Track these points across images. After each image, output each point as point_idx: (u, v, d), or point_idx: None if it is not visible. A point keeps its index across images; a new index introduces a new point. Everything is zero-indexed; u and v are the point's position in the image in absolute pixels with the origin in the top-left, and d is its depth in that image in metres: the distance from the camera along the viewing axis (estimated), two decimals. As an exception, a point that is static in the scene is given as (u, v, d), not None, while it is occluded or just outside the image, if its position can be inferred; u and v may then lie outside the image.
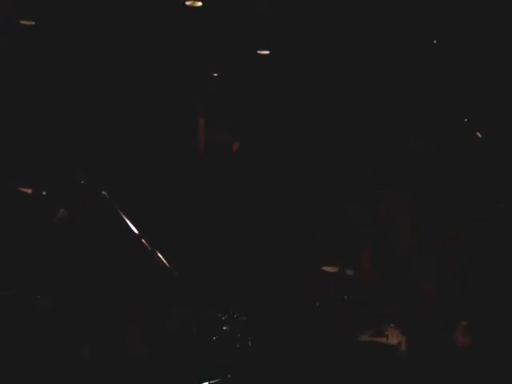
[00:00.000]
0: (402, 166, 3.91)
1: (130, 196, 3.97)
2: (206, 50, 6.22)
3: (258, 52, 6.45)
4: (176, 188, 4.42)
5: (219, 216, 4.28)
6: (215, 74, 6.82)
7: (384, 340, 3.82)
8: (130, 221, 3.45)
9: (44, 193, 4.10)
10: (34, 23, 5.84)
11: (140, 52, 6.11)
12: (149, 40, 5.97)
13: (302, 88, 6.16)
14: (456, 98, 4.43)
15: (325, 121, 5.86)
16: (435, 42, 5.09)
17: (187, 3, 5.40)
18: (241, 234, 4.16)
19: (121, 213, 3.46)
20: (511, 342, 3.53)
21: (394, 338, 3.83)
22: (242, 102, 6.19)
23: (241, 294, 3.92)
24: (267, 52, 6.46)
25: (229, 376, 3.28)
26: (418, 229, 3.77)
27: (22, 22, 5.86)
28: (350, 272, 3.99)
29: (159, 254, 3.43)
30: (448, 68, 4.71)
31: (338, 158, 5.06)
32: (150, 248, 3.42)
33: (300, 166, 5.34)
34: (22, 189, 4.08)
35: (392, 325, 3.88)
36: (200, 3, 5.40)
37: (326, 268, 4.14)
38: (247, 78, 6.58)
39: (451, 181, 3.81)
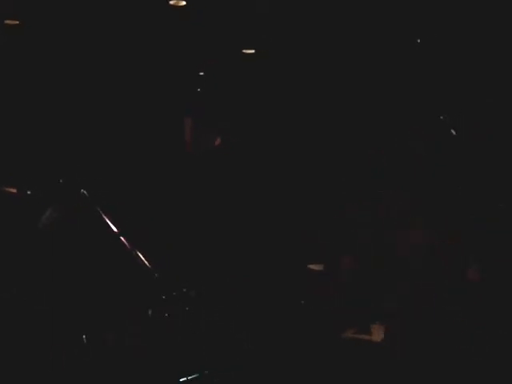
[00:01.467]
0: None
1: (114, 195, 3.98)
2: (190, 49, 6.23)
3: (244, 51, 6.48)
4: (169, 188, 4.42)
5: (215, 217, 4.28)
6: (201, 73, 6.84)
7: (368, 337, 3.83)
8: (110, 220, 3.46)
9: (29, 192, 4.10)
10: (18, 22, 5.84)
11: (124, 52, 6.11)
12: (133, 40, 5.97)
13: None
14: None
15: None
16: (419, 41, 5.11)
17: (171, 2, 5.40)
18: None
19: (101, 212, 3.46)
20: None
21: (378, 335, 3.85)
22: (238, 102, 6.21)
23: (239, 292, 3.94)
24: (253, 51, 6.49)
25: (206, 372, 3.30)
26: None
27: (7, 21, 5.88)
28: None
29: (140, 255, 3.44)
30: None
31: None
32: (130, 248, 3.43)
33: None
34: (6, 188, 4.09)
35: (377, 322, 3.89)
36: (184, 2, 5.41)
37: (311, 266, 4.15)
38: (233, 76, 6.59)
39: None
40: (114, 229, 3.43)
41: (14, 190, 4.03)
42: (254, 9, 5.47)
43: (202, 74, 6.84)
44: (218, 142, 4.42)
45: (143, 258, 3.45)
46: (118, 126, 6.06)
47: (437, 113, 3.78)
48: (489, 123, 4.29)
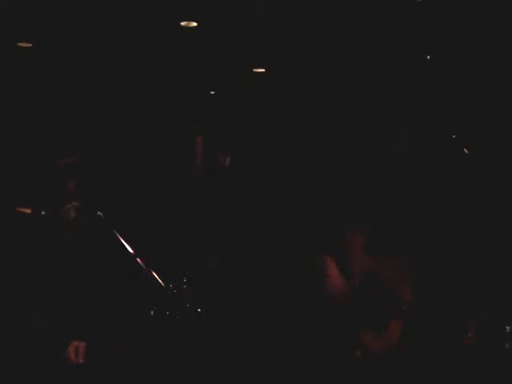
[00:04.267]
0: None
1: (125, 216, 4.00)
2: (201, 69, 6.28)
3: (254, 70, 6.52)
4: (172, 207, 4.45)
5: (218, 231, 4.30)
6: (212, 92, 6.88)
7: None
8: (125, 240, 3.48)
9: (43, 212, 4.13)
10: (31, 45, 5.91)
11: (136, 72, 6.16)
12: (144, 60, 6.02)
13: (300, 97, 6.20)
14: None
15: (324, 130, 5.88)
16: (428, 57, 5.13)
17: (182, 23, 5.45)
18: (240, 247, 4.18)
19: (116, 233, 3.49)
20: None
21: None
22: (240, 118, 6.23)
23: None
24: (263, 70, 6.53)
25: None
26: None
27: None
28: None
29: (155, 274, 3.46)
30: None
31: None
32: (145, 267, 3.45)
33: (299, 174, 5.36)
34: (20, 209, 4.12)
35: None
36: (195, 23, 5.46)
37: None
38: (243, 95, 6.63)
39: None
40: (130, 250, 3.45)
41: (29, 211, 4.07)
42: (263, 28, 5.52)
43: (212, 92, 6.88)
44: (226, 160, 4.45)
45: (158, 278, 3.46)
46: (130, 145, 6.10)
47: (446, 131, 3.79)
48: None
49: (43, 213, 4.06)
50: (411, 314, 3.55)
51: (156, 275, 3.42)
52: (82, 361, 3.58)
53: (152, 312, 3.41)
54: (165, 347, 3.50)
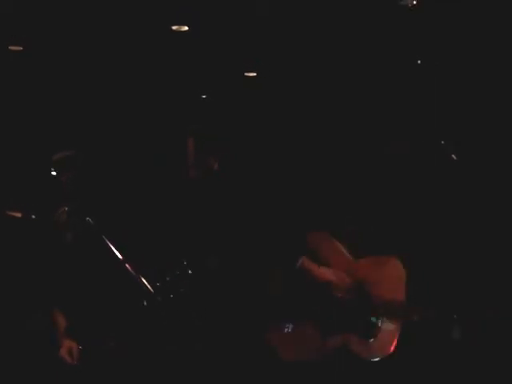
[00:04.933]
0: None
1: (114, 221, 4.00)
2: (193, 73, 6.27)
3: (245, 74, 6.52)
4: (163, 211, 4.44)
5: (211, 236, 4.30)
6: (204, 96, 6.88)
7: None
8: (114, 246, 3.48)
9: (33, 216, 4.14)
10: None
11: (127, 77, 6.16)
12: (135, 64, 6.02)
13: (292, 102, 6.20)
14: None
15: (318, 134, 5.88)
16: (419, 62, 5.13)
17: (173, 28, 5.46)
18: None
19: (105, 239, 3.48)
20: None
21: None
22: (233, 124, 6.23)
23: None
24: (254, 74, 6.53)
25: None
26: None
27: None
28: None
29: (143, 280, 3.45)
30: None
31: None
32: (134, 273, 3.45)
33: (294, 176, 5.36)
34: (11, 213, 4.12)
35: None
36: (186, 27, 5.47)
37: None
38: (235, 99, 6.63)
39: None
40: (119, 255, 3.45)
41: (19, 215, 4.07)
42: (255, 32, 5.52)
43: (204, 96, 6.88)
44: (216, 164, 4.45)
45: (147, 284, 3.46)
46: (121, 150, 6.09)
47: (436, 135, 3.80)
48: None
49: (33, 217, 4.06)
50: (406, 320, 3.53)
51: (145, 281, 3.42)
52: (76, 362, 3.61)
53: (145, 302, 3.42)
54: (165, 347, 3.51)
